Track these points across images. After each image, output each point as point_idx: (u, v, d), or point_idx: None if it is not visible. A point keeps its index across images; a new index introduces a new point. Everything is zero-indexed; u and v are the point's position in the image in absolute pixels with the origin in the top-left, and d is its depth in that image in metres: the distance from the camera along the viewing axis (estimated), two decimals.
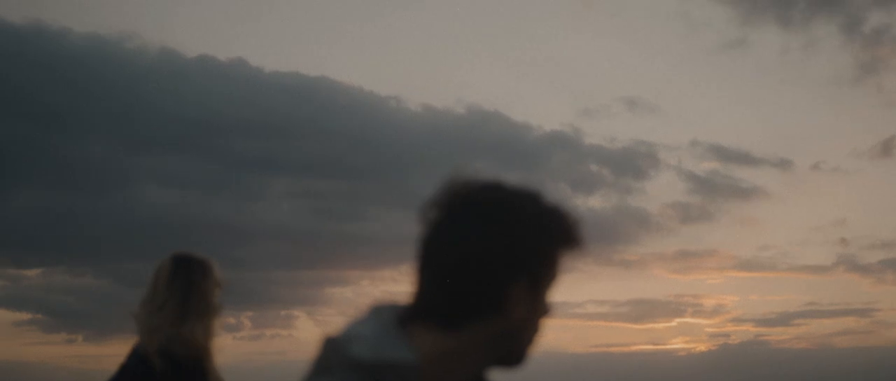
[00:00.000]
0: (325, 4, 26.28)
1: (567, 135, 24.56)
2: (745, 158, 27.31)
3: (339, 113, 23.91)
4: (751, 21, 27.58)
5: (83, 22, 25.84)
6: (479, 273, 1.07)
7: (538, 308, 1.12)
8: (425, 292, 1.09)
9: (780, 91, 27.70)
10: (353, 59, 25.76)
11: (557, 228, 1.12)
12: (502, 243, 1.08)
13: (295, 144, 24.00)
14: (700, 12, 28.69)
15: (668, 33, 28.49)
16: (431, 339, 1.08)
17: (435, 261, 1.08)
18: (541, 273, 1.11)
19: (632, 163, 25.62)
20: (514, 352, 1.14)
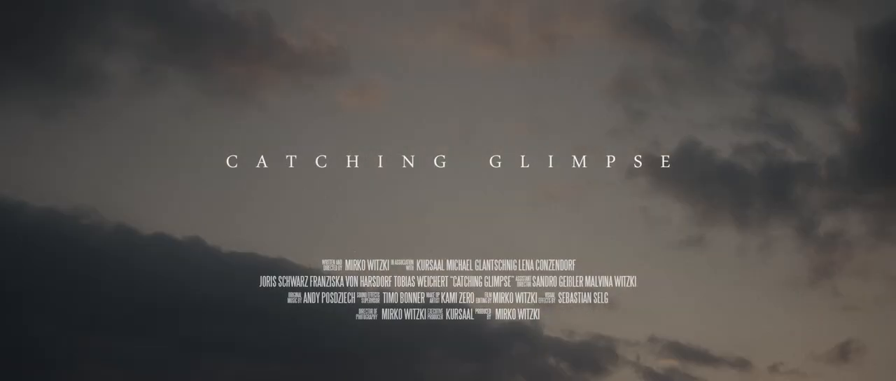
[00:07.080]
0: (282, 186, 26.49)
1: (526, 327, 24.42)
2: (703, 357, 27.52)
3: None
4: (708, 219, 28.29)
5: (41, 196, 25.61)
6: None
7: None
8: None
9: (738, 290, 28.39)
10: (311, 240, 25.76)
11: None
12: None
13: (250, 327, 23.41)
14: (658, 209, 29.36)
15: (627, 228, 29.21)
16: None
17: None
18: None
19: (590, 358, 25.54)
20: None
